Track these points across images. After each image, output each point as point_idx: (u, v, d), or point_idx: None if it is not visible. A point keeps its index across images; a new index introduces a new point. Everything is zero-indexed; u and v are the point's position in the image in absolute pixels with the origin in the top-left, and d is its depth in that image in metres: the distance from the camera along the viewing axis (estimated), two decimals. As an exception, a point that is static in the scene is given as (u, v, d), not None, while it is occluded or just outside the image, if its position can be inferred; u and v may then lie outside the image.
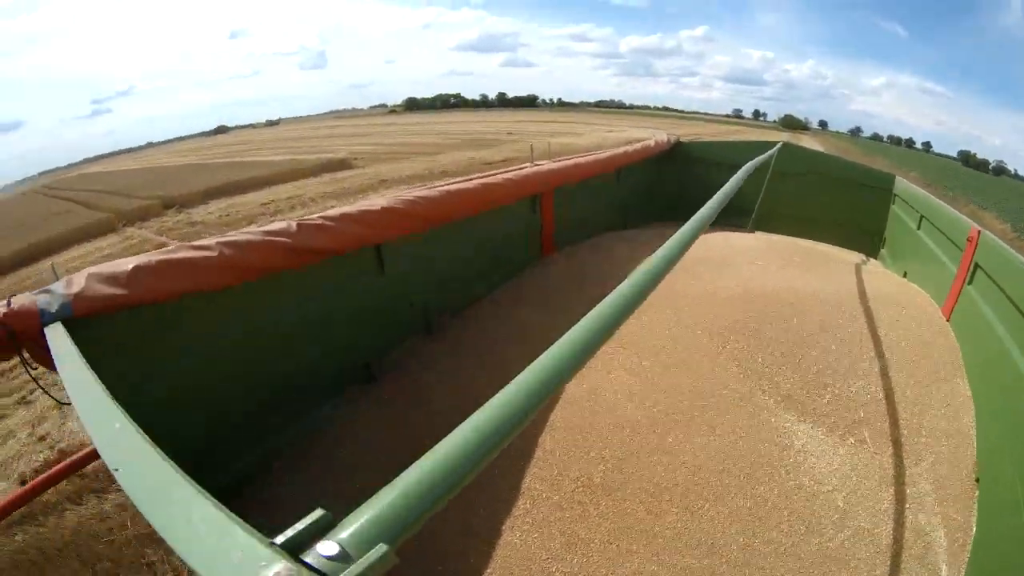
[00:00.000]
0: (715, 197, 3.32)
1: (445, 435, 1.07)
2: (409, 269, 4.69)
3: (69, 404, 2.54)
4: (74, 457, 2.47)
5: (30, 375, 2.84)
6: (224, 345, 3.47)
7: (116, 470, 1.27)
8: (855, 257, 6.83)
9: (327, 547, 0.86)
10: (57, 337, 2.51)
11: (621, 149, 7.94)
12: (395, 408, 4.07)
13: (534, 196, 6.22)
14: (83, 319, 2.73)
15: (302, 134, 66.31)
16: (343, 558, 0.84)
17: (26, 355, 2.73)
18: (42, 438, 8.62)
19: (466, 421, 1.14)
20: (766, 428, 3.44)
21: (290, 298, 3.82)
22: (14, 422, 9.54)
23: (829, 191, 7.93)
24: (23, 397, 10.38)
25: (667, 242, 2.25)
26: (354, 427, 3.86)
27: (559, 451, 3.41)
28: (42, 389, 3.05)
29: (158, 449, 1.35)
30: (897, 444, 3.28)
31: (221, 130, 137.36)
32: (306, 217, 3.77)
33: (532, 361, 1.35)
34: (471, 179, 5.24)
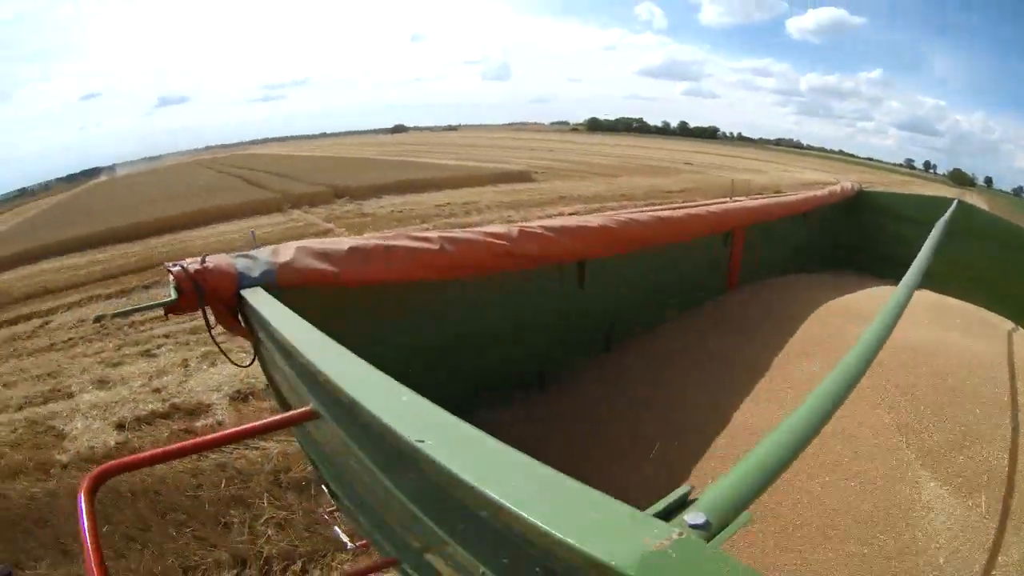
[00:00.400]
0: (919, 259, 3.56)
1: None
2: (604, 286, 4.80)
3: (247, 367, 3.27)
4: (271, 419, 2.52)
5: (210, 334, 2.96)
6: (420, 336, 3.54)
7: (420, 441, 1.23)
8: (1018, 327, 6.70)
9: (694, 516, 1.08)
10: (262, 301, 2.59)
11: (809, 193, 8.07)
12: (561, 416, 4.18)
13: (729, 231, 6.38)
14: (286, 288, 2.82)
15: (481, 142, 67.16)
16: (706, 526, 1.05)
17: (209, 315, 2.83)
18: (157, 390, 9.68)
19: (783, 422, 1.60)
20: (902, 481, 3.52)
21: (492, 299, 3.95)
22: (132, 371, 10.88)
23: (1002, 256, 7.71)
24: (147, 350, 11.69)
25: (886, 306, 2.59)
26: (519, 430, 3.78)
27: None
28: (222, 352, 3.29)
29: (458, 419, 1.35)
30: (1006, 513, 3.32)
31: (399, 129, 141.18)
32: (526, 224, 3.86)
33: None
34: (676, 207, 5.40)
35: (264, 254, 2.99)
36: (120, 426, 8.61)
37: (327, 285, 3.01)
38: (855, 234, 8.90)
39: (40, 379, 11.24)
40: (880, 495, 3.41)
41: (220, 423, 7.89)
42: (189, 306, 2.81)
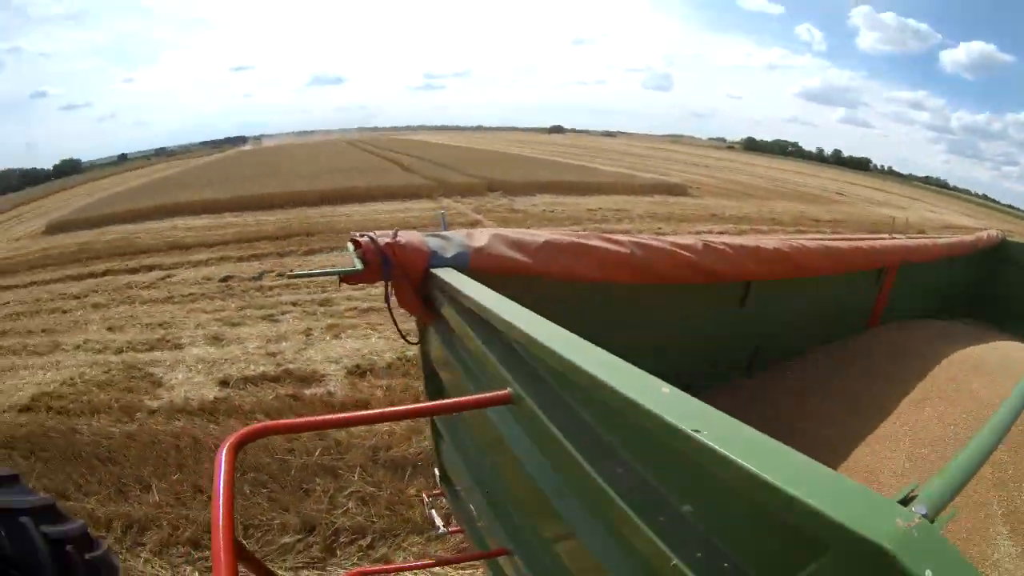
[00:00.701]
0: None
1: None
2: (760, 309, 4.88)
3: (417, 344, 3.55)
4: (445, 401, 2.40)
5: (388, 306, 3.02)
6: (587, 336, 3.71)
7: (696, 431, 1.28)
8: None
9: (919, 507, 1.11)
10: (462, 281, 2.64)
11: (958, 237, 7.97)
12: None
13: (883, 268, 6.38)
14: (477, 272, 2.86)
15: (637, 151, 68.14)
16: (929, 517, 1.08)
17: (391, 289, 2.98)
18: (272, 354, 9.61)
19: (983, 430, 1.83)
20: (981, 534, 3.54)
21: (659, 310, 4.03)
22: (250, 332, 10.88)
23: None
24: (271, 315, 11.67)
25: None
26: None
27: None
28: (396, 329, 3.36)
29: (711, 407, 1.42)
30: None
31: (557, 130, 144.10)
32: (710, 239, 3.94)
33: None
34: (840, 239, 5.51)
35: (458, 236, 3.06)
36: (224, 383, 8.54)
37: (517, 273, 3.06)
38: (994, 284, 8.80)
39: (149, 327, 11.49)
40: (959, 546, 3.38)
41: (331, 393, 7.89)
42: (371, 278, 2.88)
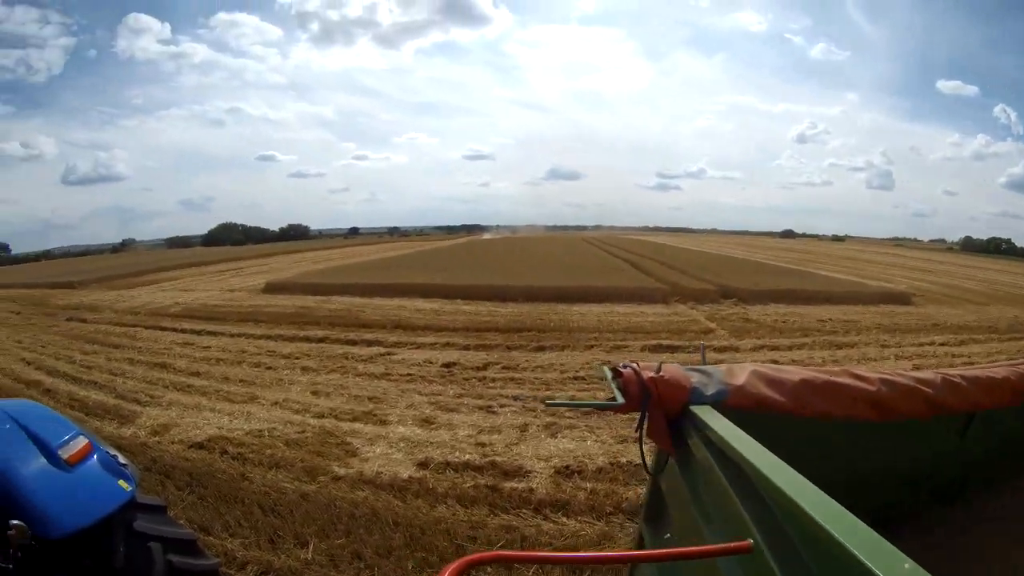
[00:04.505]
0: None
1: None
2: (979, 442, 4.71)
3: (657, 472, 3.66)
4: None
5: (639, 439, 3.26)
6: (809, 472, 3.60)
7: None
8: None
9: None
10: (720, 424, 2.76)
11: None
12: None
13: None
14: (733, 410, 3.00)
15: (864, 256, 66.35)
16: None
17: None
18: (481, 444, 9.71)
19: None
20: None
21: (882, 443, 4.12)
22: (463, 419, 11.01)
23: None
24: (488, 406, 11.67)
25: None
26: None
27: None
28: (643, 462, 3.57)
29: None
30: None
31: (788, 234, 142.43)
32: (947, 372, 4.00)
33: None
34: None
35: (719, 372, 3.24)
36: (423, 464, 8.92)
37: (769, 411, 3.20)
38: None
39: (358, 399, 12.27)
40: None
41: (531, 490, 8.10)
42: (629, 409, 3.08)
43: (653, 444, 3.37)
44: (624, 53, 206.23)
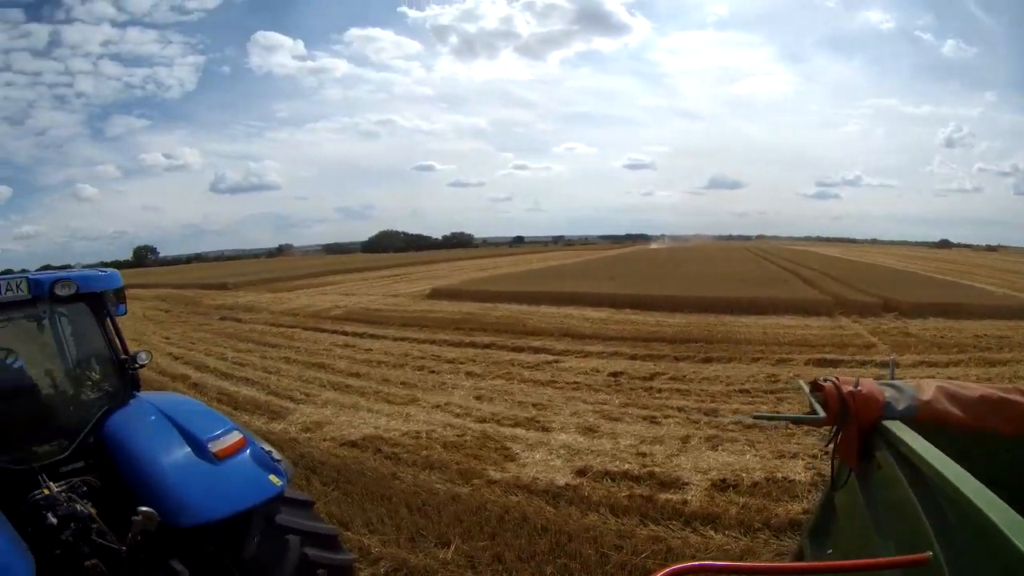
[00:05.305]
0: None
1: None
2: None
3: (837, 487, 3.75)
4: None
5: (832, 452, 3.47)
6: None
7: None
8: None
9: None
10: (913, 439, 2.85)
11: None
12: None
13: None
14: (921, 424, 3.12)
15: (1020, 267, 61.97)
16: None
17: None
18: (641, 454, 9.68)
19: None
20: None
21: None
22: (626, 429, 10.96)
23: None
24: (652, 416, 11.54)
25: None
26: None
27: None
28: (832, 475, 3.68)
29: None
30: None
31: (944, 244, 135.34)
32: None
33: None
34: None
35: (909, 388, 3.39)
36: (581, 472, 8.98)
37: (951, 426, 3.29)
38: None
39: (522, 405, 12.45)
40: None
41: (685, 502, 8.16)
42: (826, 423, 3.35)
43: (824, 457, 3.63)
44: (764, 58, 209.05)
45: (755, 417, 9.88)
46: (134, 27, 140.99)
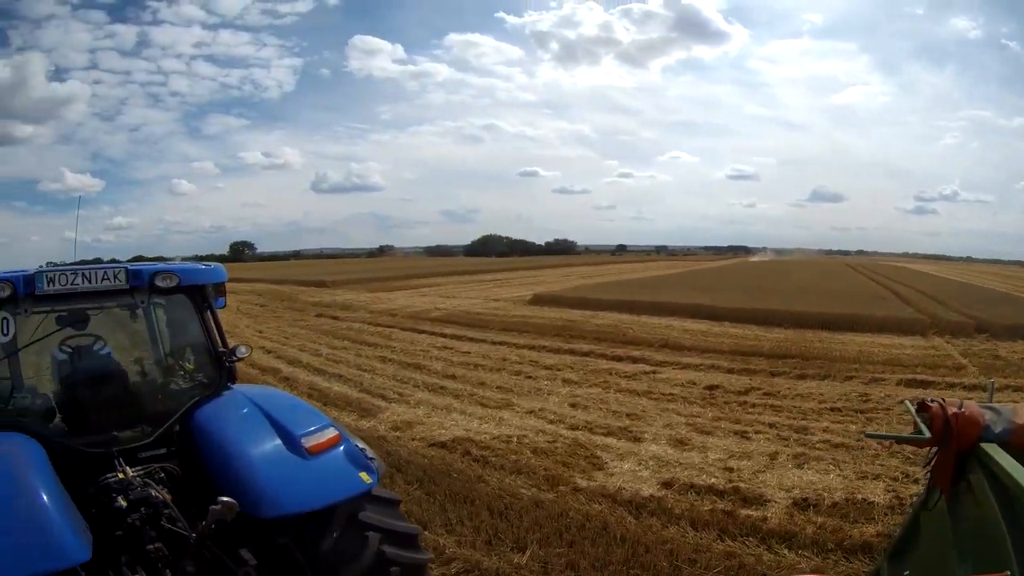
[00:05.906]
0: None
1: None
2: None
3: (927, 508, 3.82)
4: None
5: (929, 469, 3.62)
6: None
7: None
8: None
9: None
10: (1010, 463, 2.93)
11: None
12: None
13: None
14: (1013, 448, 3.22)
15: None
16: None
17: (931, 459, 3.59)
18: (728, 469, 9.83)
19: None
20: None
21: None
22: (716, 443, 11.10)
23: None
24: (743, 431, 11.63)
25: None
26: None
27: None
28: (925, 495, 3.83)
29: None
30: None
31: None
32: None
33: None
34: None
35: (1006, 411, 3.44)
36: (667, 484, 9.11)
37: None
38: None
39: (616, 415, 12.63)
40: None
41: (765, 519, 8.18)
42: (932, 443, 3.42)
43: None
44: (860, 67, 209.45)
45: (866, 435, 9.80)
46: (225, 29, 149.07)
